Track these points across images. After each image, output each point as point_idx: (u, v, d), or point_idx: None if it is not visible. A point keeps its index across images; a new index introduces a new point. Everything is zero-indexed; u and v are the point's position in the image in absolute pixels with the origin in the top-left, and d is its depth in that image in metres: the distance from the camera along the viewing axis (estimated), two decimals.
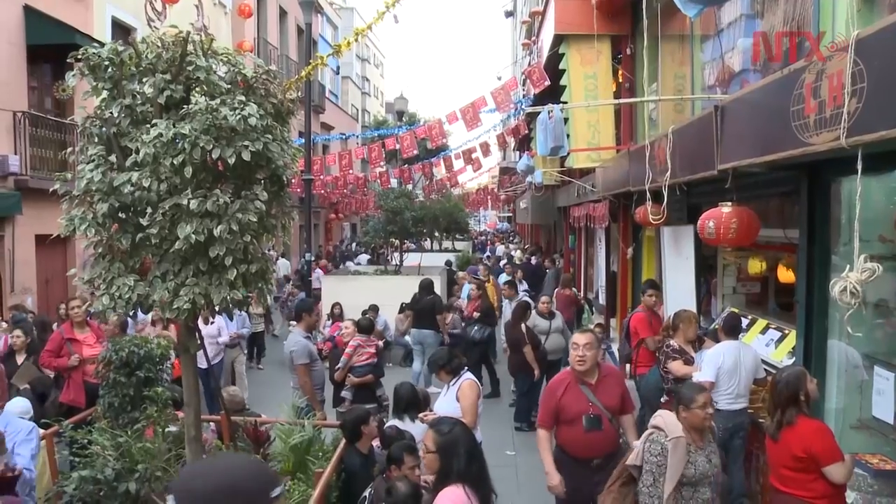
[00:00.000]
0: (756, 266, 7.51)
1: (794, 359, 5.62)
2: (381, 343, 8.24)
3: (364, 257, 23.52)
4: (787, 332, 6.23)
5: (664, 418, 4.04)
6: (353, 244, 32.49)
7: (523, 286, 13.51)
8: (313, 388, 6.63)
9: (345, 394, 7.09)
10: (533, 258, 21.27)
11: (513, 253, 25.17)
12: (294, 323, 7.68)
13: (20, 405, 5.46)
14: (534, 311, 9.34)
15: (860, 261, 3.43)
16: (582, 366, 4.52)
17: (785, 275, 6.79)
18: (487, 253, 29.23)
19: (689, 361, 6.08)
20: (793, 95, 4.00)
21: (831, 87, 3.56)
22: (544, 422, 4.68)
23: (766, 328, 6.65)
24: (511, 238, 40.08)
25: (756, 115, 4.78)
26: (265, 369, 12.10)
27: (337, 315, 11.57)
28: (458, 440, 3.16)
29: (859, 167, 3.46)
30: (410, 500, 3.69)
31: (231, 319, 9.30)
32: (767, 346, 6.39)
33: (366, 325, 7.58)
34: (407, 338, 12.53)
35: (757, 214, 5.65)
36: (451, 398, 5.28)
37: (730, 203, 5.59)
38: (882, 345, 4.84)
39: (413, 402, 5.57)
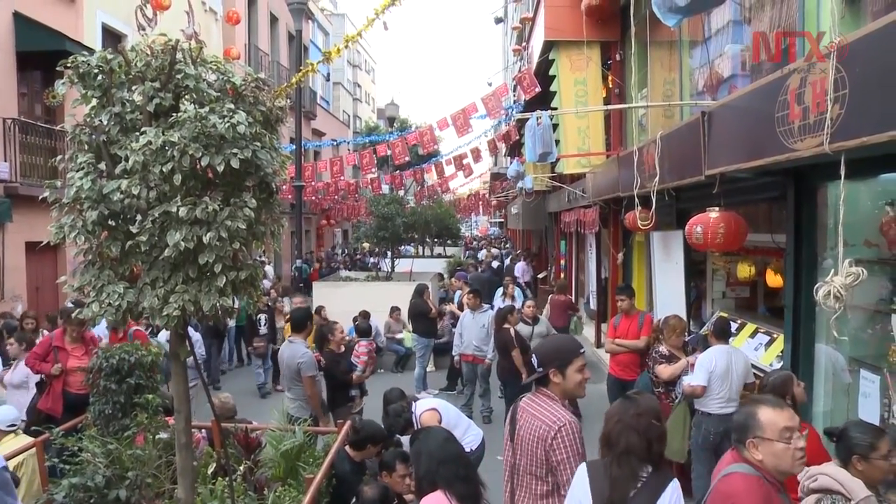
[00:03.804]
0: (745, 270, 7.56)
1: (782, 363, 5.67)
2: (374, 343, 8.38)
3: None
4: (775, 336, 6.27)
5: (833, 475, 3.01)
6: (343, 251, 32.19)
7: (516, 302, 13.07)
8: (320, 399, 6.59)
9: (354, 393, 7.14)
10: (521, 264, 20.94)
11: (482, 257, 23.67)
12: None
13: (7, 413, 5.45)
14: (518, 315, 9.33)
15: (845, 265, 3.47)
16: (804, 464, 2.79)
17: (773, 279, 6.85)
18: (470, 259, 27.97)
19: None
20: (777, 101, 4.05)
21: (815, 93, 3.61)
22: None
23: (755, 332, 6.69)
24: (502, 243, 39.81)
25: (742, 121, 4.83)
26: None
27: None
28: (420, 449, 3.26)
29: (842, 172, 3.50)
30: None
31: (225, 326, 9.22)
32: (756, 349, 6.43)
33: (365, 329, 7.60)
34: (399, 337, 12.62)
35: (744, 219, 5.70)
36: None
37: (717, 208, 5.65)
38: (868, 348, 4.88)
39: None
